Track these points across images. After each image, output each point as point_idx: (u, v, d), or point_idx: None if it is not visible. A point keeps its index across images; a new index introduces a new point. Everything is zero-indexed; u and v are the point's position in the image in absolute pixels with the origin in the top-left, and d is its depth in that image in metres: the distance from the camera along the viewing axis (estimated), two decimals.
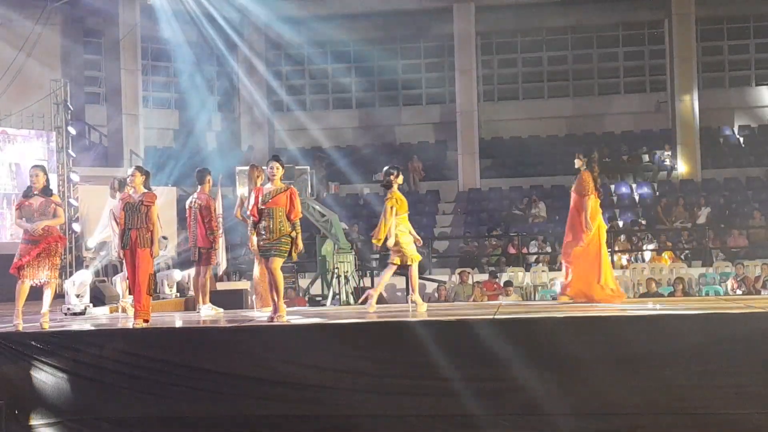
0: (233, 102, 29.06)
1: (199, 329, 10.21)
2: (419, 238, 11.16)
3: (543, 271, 20.36)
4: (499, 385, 8.77)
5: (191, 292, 13.88)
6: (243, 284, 17.14)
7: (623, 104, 28.10)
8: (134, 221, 10.20)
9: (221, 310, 12.25)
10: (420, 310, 10.73)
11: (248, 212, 10.32)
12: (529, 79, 28.59)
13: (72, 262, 18.11)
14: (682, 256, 21.23)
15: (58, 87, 19.42)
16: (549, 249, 21.75)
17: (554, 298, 15.85)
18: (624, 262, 20.96)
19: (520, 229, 22.90)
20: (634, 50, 28.18)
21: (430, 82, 28.88)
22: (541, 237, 22.00)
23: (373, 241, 10.88)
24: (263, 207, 9.99)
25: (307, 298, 18.57)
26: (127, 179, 10.61)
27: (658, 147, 27.11)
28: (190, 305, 13.99)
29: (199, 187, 12.09)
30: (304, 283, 19.74)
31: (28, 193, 10.21)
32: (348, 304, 17.69)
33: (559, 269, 20.76)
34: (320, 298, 18.75)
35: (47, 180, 10.32)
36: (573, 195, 11.43)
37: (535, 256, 21.68)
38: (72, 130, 19.51)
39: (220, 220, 12.70)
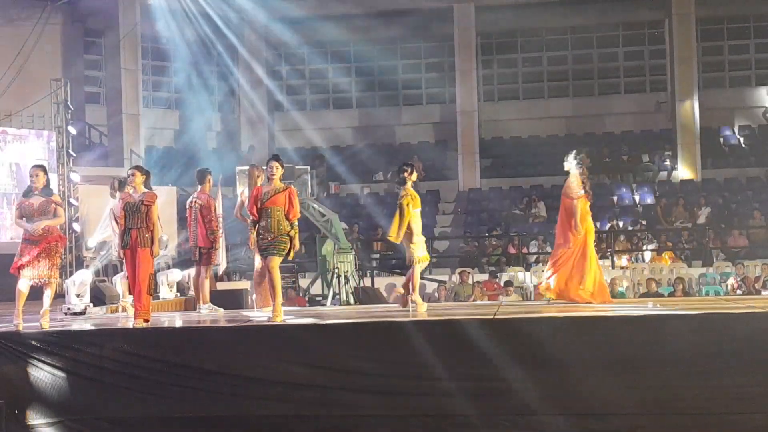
0: (233, 102, 29.05)
1: (199, 329, 10.21)
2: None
3: (543, 271, 20.31)
4: (499, 385, 8.77)
5: (191, 292, 13.89)
6: (243, 284, 17.14)
7: (623, 104, 28.08)
8: (134, 221, 10.21)
9: (221, 309, 12.25)
10: (420, 310, 10.73)
11: (248, 212, 10.33)
12: (529, 79, 28.58)
13: (72, 262, 18.10)
14: (683, 256, 21.23)
15: (59, 87, 19.41)
16: (549, 249, 21.71)
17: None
18: (624, 262, 20.96)
19: (520, 229, 22.91)
20: (634, 50, 28.17)
21: (430, 83, 28.87)
22: (541, 237, 21.99)
23: (389, 238, 10.83)
24: (262, 206, 10.00)
25: (307, 298, 18.57)
26: (127, 179, 10.60)
27: (658, 147, 27.12)
28: (190, 305, 13.99)
29: (200, 186, 12.10)
30: (304, 282, 19.73)
31: (28, 193, 10.20)
32: (348, 303, 17.69)
33: None
34: (320, 298, 18.75)
35: (47, 180, 10.31)
36: (563, 198, 11.43)
37: (535, 256, 21.69)
38: (72, 130, 19.51)
39: (221, 220, 12.70)
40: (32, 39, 21.69)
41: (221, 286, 16.47)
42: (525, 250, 21.91)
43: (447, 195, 26.89)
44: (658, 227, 22.89)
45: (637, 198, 25.29)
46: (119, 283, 12.79)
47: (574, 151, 11.65)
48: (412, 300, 10.96)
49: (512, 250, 21.92)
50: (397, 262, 23.05)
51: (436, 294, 18.90)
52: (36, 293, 10.27)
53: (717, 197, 24.23)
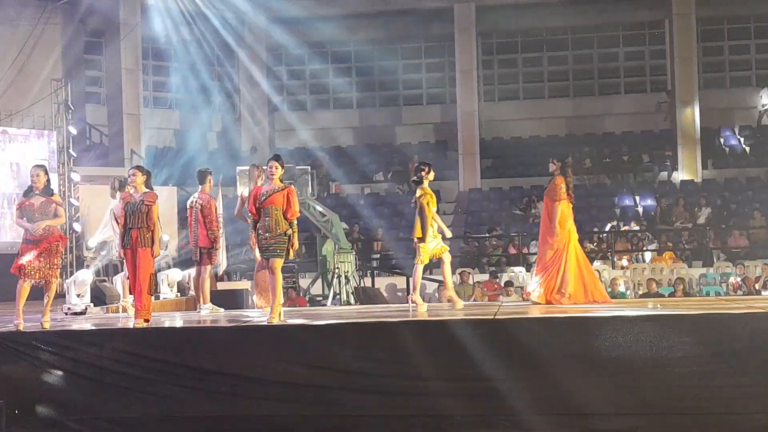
0: (233, 102, 29.06)
1: (200, 329, 10.21)
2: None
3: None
4: (499, 385, 8.77)
5: (192, 292, 13.89)
6: (243, 284, 17.17)
7: (623, 104, 28.10)
8: (135, 221, 10.21)
9: (222, 309, 12.25)
10: (420, 310, 10.73)
11: (248, 211, 10.35)
12: (530, 79, 28.60)
13: (73, 262, 18.12)
14: (683, 257, 21.23)
15: (59, 87, 19.43)
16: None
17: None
18: (625, 262, 20.97)
19: (521, 229, 22.90)
20: (634, 50, 28.19)
21: (431, 83, 28.88)
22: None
23: (416, 239, 10.80)
24: (260, 206, 10.01)
25: (307, 298, 18.58)
26: (128, 179, 10.60)
27: (659, 147, 27.12)
28: (190, 305, 14.00)
29: (200, 186, 12.11)
30: (304, 283, 19.73)
31: (28, 193, 10.20)
32: (348, 304, 17.71)
33: None
34: (321, 298, 18.76)
35: (48, 180, 10.31)
36: (545, 200, 11.45)
37: (535, 256, 21.65)
38: (73, 130, 19.52)
39: (221, 220, 12.71)
40: (33, 39, 21.72)
41: (222, 286, 16.49)
42: (525, 250, 21.90)
43: (447, 195, 26.87)
44: (659, 227, 22.88)
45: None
46: (120, 283, 12.80)
47: (558, 155, 11.67)
48: (412, 300, 10.96)
49: (512, 251, 21.93)
50: (397, 262, 23.07)
51: (437, 294, 18.89)
52: (36, 293, 10.28)
53: (717, 197, 24.23)
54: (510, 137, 28.18)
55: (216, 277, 15.52)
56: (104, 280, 14.54)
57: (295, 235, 10.06)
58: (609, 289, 17.70)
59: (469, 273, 18.78)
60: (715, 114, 27.14)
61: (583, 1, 27.21)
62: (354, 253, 19.22)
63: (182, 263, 16.63)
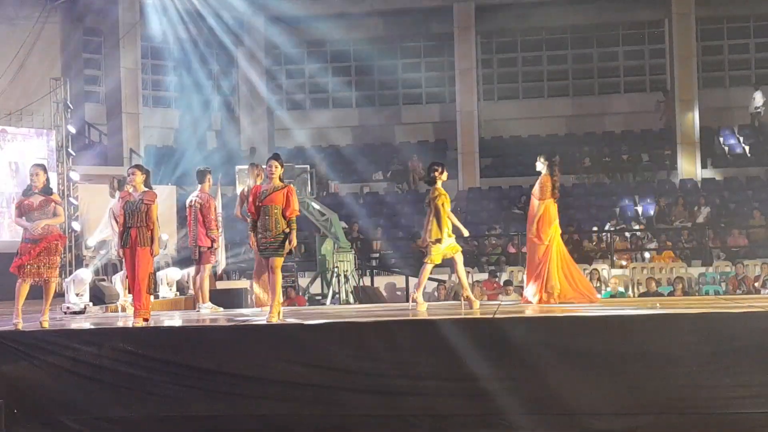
0: (232, 101, 29.04)
1: (199, 328, 10.19)
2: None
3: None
4: (499, 385, 8.77)
5: (191, 291, 13.89)
6: (243, 283, 17.16)
7: (623, 104, 28.10)
8: (134, 220, 10.19)
9: (221, 309, 12.24)
10: (420, 309, 10.72)
11: (247, 210, 10.34)
12: (529, 78, 28.59)
13: (72, 261, 18.11)
14: (682, 256, 21.23)
15: (58, 85, 19.42)
16: None
17: None
18: (624, 262, 20.98)
19: (520, 229, 22.78)
20: (634, 50, 28.18)
21: (430, 82, 28.87)
22: None
23: (433, 239, 10.75)
24: (260, 205, 10.00)
25: (306, 297, 18.57)
26: (128, 178, 10.59)
27: (658, 146, 27.12)
28: (189, 304, 13.99)
29: (199, 186, 12.10)
30: (304, 282, 19.73)
31: (27, 192, 10.19)
32: (348, 303, 17.71)
33: None
34: (320, 297, 18.76)
35: (47, 179, 10.30)
36: (531, 197, 11.47)
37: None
38: (72, 129, 19.51)
39: (220, 219, 12.71)
40: (32, 38, 21.70)
41: (221, 285, 16.49)
42: (524, 250, 21.87)
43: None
44: (658, 226, 22.88)
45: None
46: (119, 282, 12.80)
47: (545, 154, 11.67)
48: (413, 299, 10.93)
49: (512, 250, 21.92)
50: (396, 261, 23.06)
51: (436, 293, 18.89)
52: (36, 292, 10.26)
53: (716, 197, 24.23)
54: (509, 136, 28.17)
55: (215, 277, 15.52)
56: (103, 279, 14.53)
57: (293, 232, 10.05)
58: (608, 288, 17.76)
59: (468, 272, 18.76)
60: (715, 113, 27.14)
61: (582, 1, 27.20)
62: (353, 252, 19.22)
63: (181, 262, 16.62)
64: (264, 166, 10.58)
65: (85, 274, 12.98)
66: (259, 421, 9.09)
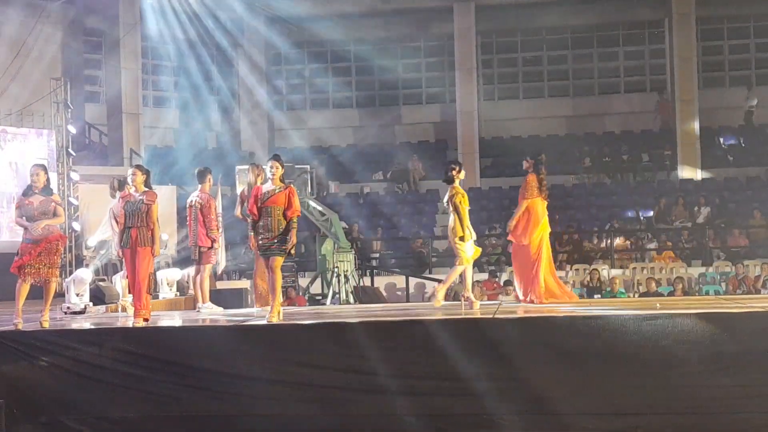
0: (233, 101, 29.04)
1: (199, 328, 10.20)
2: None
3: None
4: (501, 384, 8.77)
5: (191, 291, 13.89)
6: (243, 283, 17.15)
7: (623, 104, 28.10)
8: (134, 220, 10.20)
9: (221, 309, 12.24)
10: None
11: (248, 211, 10.34)
12: (530, 78, 28.60)
13: (72, 261, 18.10)
14: (682, 256, 21.23)
15: (58, 86, 19.41)
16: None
17: None
18: (624, 261, 21.00)
19: None
20: (634, 50, 28.17)
21: (430, 82, 28.87)
22: None
23: (456, 239, 10.76)
24: (262, 206, 10.01)
25: (307, 297, 18.58)
26: (128, 178, 10.60)
27: (659, 147, 27.11)
28: (189, 304, 13.99)
29: (200, 186, 12.10)
30: (304, 282, 19.74)
31: (28, 192, 10.19)
32: (348, 303, 17.71)
33: (560, 268, 20.92)
34: (320, 297, 18.76)
35: (47, 179, 10.30)
36: (519, 197, 11.49)
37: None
38: (72, 129, 19.50)
39: (220, 219, 12.71)
40: (32, 38, 21.68)
41: (221, 285, 16.48)
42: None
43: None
44: (658, 226, 22.88)
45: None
46: (119, 282, 12.80)
47: (531, 154, 11.70)
48: (465, 297, 10.85)
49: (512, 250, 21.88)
50: (396, 261, 23.07)
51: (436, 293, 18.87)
52: (36, 292, 10.26)
53: (716, 197, 24.22)
54: (509, 136, 28.14)
55: (215, 277, 15.52)
56: (103, 280, 14.53)
57: (293, 231, 10.06)
58: (608, 288, 17.77)
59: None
60: (715, 113, 27.13)
61: (582, 1, 27.20)
62: (353, 252, 19.21)
63: (181, 262, 16.62)
64: (264, 167, 10.59)
65: (86, 274, 12.98)
66: (259, 421, 9.10)
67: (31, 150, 18.65)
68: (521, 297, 11.35)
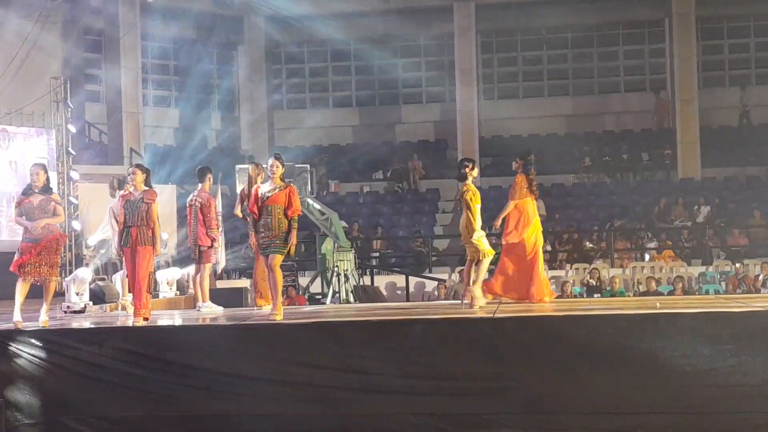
0: (233, 100, 29.05)
1: (199, 327, 10.20)
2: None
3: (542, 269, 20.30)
4: (501, 384, 8.77)
5: (191, 291, 13.88)
6: (243, 282, 17.15)
7: (623, 103, 28.10)
8: (135, 219, 10.20)
9: (221, 308, 12.24)
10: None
11: (249, 210, 10.34)
12: (530, 77, 28.59)
13: (72, 260, 18.10)
14: (682, 255, 21.23)
15: (58, 85, 19.40)
16: (549, 248, 21.74)
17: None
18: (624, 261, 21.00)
19: None
20: (634, 49, 28.17)
21: (430, 81, 28.86)
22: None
23: (472, 239, 10.75)
24: (262, 205, 10.01)
25: (307, 296, 18.58)
26: (128, 177, 10.59)
27: (659, 146, 27.11)
28: (189, 303, 13.99)
29: (200, 185, 12.08)
30: (304, 281, 19.74)
31: (28, 191, 10.18)
32: (348, 302, 17.71)
33: (560, 267, 20.95)
34: (320, 297, 18.76)
35: (47, 178, 10.29)
36: (509, 198, 11.50)
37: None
38: (72, 128, 19.50)
39: (220, 218, 12.70)
40: (32, 37, 21.67)
41: (221, 284, 16.48)
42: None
43: (447, 194, 26.85)
44: (658, 225, 22.88)
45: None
46: (119, 281, 12.79)
47: (520, 155, 11.71)
48: (472, 294, 10.82)
49: None
50: (396, 260, 23.08)
51: (436, 293, 18.91)
52: (36, 291, 10.25)
53: (716, 196, 24.23)
54: (509, 136, 28.11)
55: (215, 276, 15.52)
56: (103, 279, 14.52)
57: (294, 231, 10.05)
58: (608, 288, 17.78)
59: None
60: (715, 112, 27.13)
61: (582, 1, 27.19)
62: (353, 251, 19.21)
63: (181, 261, 16.62)
64: (264, 166, 10.59)
65: (86, 274, 12.98)
66: (259, 421, 9.09)
67: (31, 149, 18.65)
68: (527, 296, 11.31)
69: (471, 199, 10.73)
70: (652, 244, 21.80)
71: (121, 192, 10.95)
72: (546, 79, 28.60)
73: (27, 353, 9.37)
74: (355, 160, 27.95)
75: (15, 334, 9.57)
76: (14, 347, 9.39)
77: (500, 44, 28.69)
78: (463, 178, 10.94)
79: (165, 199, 16.22)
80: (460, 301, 11.24)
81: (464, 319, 9.64)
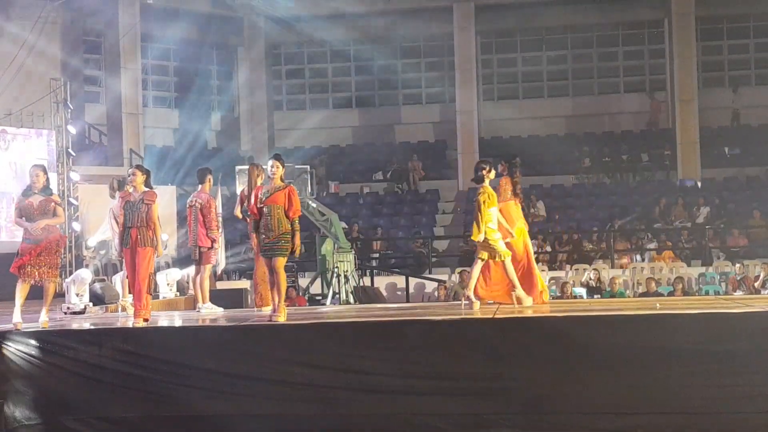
0: (233, 101, 29.06)
1: (199, 328, 10.20)
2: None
3: (542, 270, 20.31)
4: (501, 384, 8.77)
5: (191, 291, 13.88)
6: (243, 283, 17.15)
7: (623, 104, 28.12)
8: (134, 220, 10.19)
9: (221, 309, 12.24)
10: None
11: (249, 211, 10.33)
12: (529, 78, 28.61)
13: (72, 261, 18.11)
14: (682, 256, 21.23)
15: (58, 86, 19.40)
16: (549, 248, 21.77)
17: (554, 298, 15.87)
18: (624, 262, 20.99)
19: None
20: (633, 50, 28.19)
21: (430, 82, 28.88)
22: (541, 236, 21.97)
23: (472, 238, 10.76)
24: (262, 205, 10.01)
25: (307, 298, 18.57)
26: (128, 178, 10.59)
27: (658, 146, 27.13)
28: (189, 304, 13.99)
29: (200, 186, 12.09)
30: (304, 282, 19.74)
31: (27, 192, 10.19)
32: (348, 303, 17.70)
33: (560, 268, 20.95)
34: (320, 297, 18.76)
35: (47, 179, 10.30)
36: None
37: (534, 256, 21.63)
38: (72, 129, 19.50)
39: (220, 219, 12.70)
40: (32, 38, 21.68)
41: (221, 285, 16.48)
42: None
43: (447, 194, 26.90)
44: (658, 226, 22.88)
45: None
46: (119, 282, 12.80)
47: (507, 156, 11.72)
48: (517, 295, 10.77)
49: None
50: (396, 261, 23.08)
51: (436, 293, 18.91)
52: (36, 292, 10.26)
53: (716, 197, 24.23)
54: (509, 136, 28.15)
55: (215, 277, 15.52)
56: (103, 280, 14.53)
57: (297, 234, 10.05)
58: (608, 288, 17.77)
59: (468, 272, 18.74)
60: (715, 113, 27.14)
61: (582, 1, 27.21)
62: (353, 252, 19.22)
63: (181, 262, 16.63)
64: (264, 167, 10.59)
65: (86, 275, 12.98)
66: (259, 421, 9.09)
67: (31, 150, 18.66)
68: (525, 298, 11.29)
69: (484, 202, 10.69)
70: (652, 245, 21.80)
71: (121, 193, 10.95)
72: (546, 79, 28.62)
73: (27, 354, 9.37)
74: (355, 160, 27.99)
75: (15, 335, 9.57)
76: (14, 348, 9.39)
77: (500, 45, 28.70)
78: (480, 180, 10.90)
79: (165, 201, 16.24)
80: (460, 302, 11.23)
81: (464, 320, 9.65)
